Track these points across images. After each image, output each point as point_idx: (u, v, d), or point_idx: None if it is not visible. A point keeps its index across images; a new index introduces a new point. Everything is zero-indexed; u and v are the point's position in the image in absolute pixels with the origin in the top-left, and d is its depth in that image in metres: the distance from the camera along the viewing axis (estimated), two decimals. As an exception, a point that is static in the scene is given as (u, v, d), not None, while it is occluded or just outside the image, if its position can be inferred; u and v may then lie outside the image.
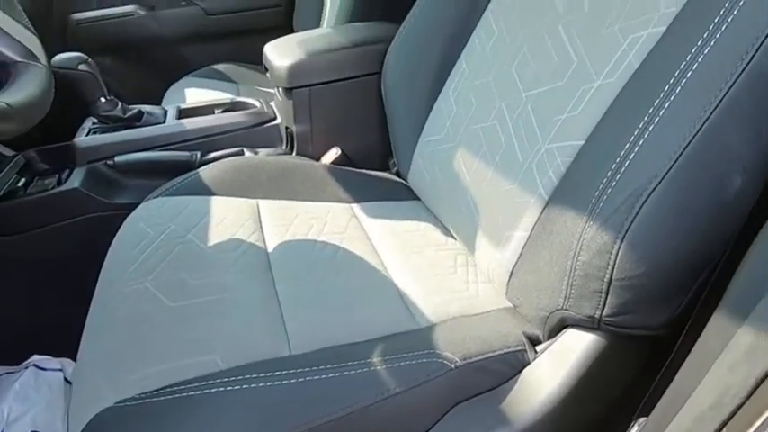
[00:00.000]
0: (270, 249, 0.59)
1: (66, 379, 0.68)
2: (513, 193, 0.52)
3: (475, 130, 0.61)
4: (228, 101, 0.91)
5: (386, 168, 0.88)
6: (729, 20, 0.33)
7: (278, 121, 0.86)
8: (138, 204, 0.67)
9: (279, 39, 0.85)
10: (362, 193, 0.75)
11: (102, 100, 0.77)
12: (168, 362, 0.40)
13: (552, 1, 0.55)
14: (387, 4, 0.96)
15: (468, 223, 0.60)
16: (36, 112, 0.40)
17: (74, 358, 0.73)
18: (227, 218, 0.62)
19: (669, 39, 0.39)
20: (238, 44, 1.46)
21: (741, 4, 0.33)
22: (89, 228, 0.73)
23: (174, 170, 0.76)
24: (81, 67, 0.73)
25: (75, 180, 0.72)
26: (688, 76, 0.33)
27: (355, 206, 0.72)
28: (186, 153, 0.77)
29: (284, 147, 0.85)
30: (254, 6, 1.44)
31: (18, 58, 0.39)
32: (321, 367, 0.39)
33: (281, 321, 0.47)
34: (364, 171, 0.80)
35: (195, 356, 0.40)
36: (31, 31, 0.44)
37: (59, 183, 0.74)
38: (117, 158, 0.74)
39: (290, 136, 0.83)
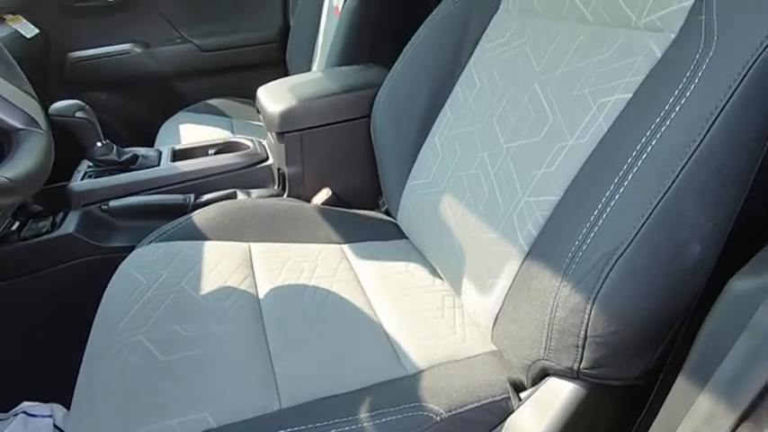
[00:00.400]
0: (261, 296, 0.60)
1: (55, 425, 0.68)
2: (495, 242, 0.54)
3: (460, 177, 0.64)
4: (222, 141, 0.94)
5: (376, 207, 0.90)
6: (687, 94, 0.36)
7: (270, 161, 0.89)
8: (133, 247, 0.69)
9: (271, 83, 0.88)
10: (353, 233, 0.77)
11: (99, 144, 0.79)
12: (161, 420, 0.41)
13: (529, 59, 0.58)
14: (374, 48, 1.00)
15: (454, 266, 0.62)
16: (37, 182, 0.42)
17: (64, 403, 0.73)
18: (220, 263, 0.64)
19: (633, 107, 0.43)
20: (232, 79, 1.50)
21: (696, 80, 0.36)
22: (83, 271, 0.74)
23: (168, 213, 0.78)
24: (78, 114, 0.75)
25: (70, 225, 0.74)
26: (648, 150, 0.36)
27: (345, 247, 0.74)
28: (180, 196, 0.79)
29: (276, 187, 0.87)
30: (249, 43, 1.48)
31: (19, 126, 0.41)
32: (309, 426, 0.40)
33: (271, 374, 0.48)
34: (354, 211, 0.83)
35: (187, 414, 0.41)
36: (32, 96, 0.46)
37: (53, 226, 0.75)
38: (111, 203, 0.76)
39: (282, 177, 0.85)
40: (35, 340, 0.75)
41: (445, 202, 0.66)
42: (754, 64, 0.32)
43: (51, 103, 1.16)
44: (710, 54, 0.35)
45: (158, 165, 0.84)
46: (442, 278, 0.68)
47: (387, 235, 0.79)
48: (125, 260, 0.63)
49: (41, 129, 0.42)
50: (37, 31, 1.16)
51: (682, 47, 0.40)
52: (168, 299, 0.55)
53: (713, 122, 0.33)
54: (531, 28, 0.60)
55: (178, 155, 0.89)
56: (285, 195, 0.85)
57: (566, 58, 0.53)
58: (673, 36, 0.42)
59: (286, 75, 1.49)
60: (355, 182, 0.86)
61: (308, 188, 0.84)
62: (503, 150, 0.58)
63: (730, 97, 0.33)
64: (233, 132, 1.26)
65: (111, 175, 0.81)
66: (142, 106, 1.43)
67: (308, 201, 0.85)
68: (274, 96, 0.81)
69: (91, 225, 0.75)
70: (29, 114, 0.42)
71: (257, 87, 1.55)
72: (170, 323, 0.51)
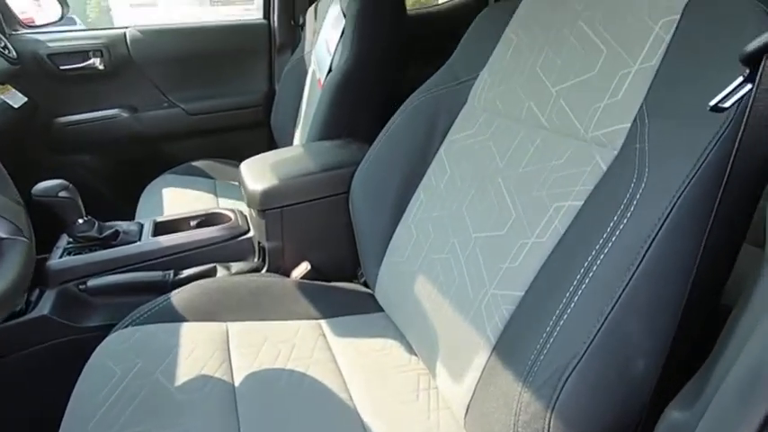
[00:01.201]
0: (237, 383, 0.60)
1: None
2: (466, 330, 0.56)
3: (433, 260, 0.67)
4: (203, 213, 0.95)
5: (354, 278, 0.92)
6: (624, 221, 0.40)
7: (251, 233, 0.91)
8: (110, 326, 0.68)
9: (254, 158, 0.92)
10: (331, 308, 0.78)
11: (80, 221, 0.80)
12: None
13: (494, 154, 0.63)
14: (354, 122, 1.06)
15: (429, 347, 0.64)
16: (19, 294, 0.43)
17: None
18: (197, 349, 0.64)
19: (584, 218, 0.47)
20: (217, 140, 1.55)
21: (632, 209, 0.40)
22: (57, 353, 0.73)
23: (147, 290, 0.78)
24: (62, 193, 0.77)
25: (45, 306, 0.73)
26: (593, 269, 0.40)
27: (324, 323, 0.75)
28: (159, 273, 0.79)
29: (257, 260, 0.89)
30: (235, 106, 1.54)
31: (3, 235, 0.42)
32: None
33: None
34: (333, 284, 0.84)
35: None
36: (18, 203, 0.47)
37: (28, 306, 0.74)
38: (89, 282, 0.76)
39: (262, 250, 0.87)
40: (4, 426, 0.72)
41: (420, 282, 0.68)
42: (680, 198, 0.37)
43: (34, 169, 1.18)
44: (643, 186, 0.39)
45: (139, 239, 0.85)
46: (417, 356, 0.69)
47: (364, 308, 0.80)
48: (99, 347, 0.63)
49: (24, 237, 0.44)
50: (25, 99, 1.19)
51: (621, 168, 0.44)
52: (141, 393, 0.55)
53: (647, 249, 0.37)
54: (495, 125, 0.65)
55: (159, 228, 0.90)
56: (265, 269, 0.86)
57: (525, 159, 0.58)
58: (615, 153, 0.47)
59: (270, 137, 1.54)
60: (334, 254, 0.89)
61: (287, 261, 0.86)
62: (471, 239, 0.61)
63: (661, 227, 0.37)
64: (216, 195, 1.29)
65: (91, 251, 0.81)
66: (127, 168, 1.45)
67: (288, 274, 0.86)
68: (256, 174, 0.84)
69: (67, 305, 0.75)
70: (13, 223, 0.43)
71: (242, 148, 1.60)
72: (141, 423, 0.51)
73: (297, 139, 1.33)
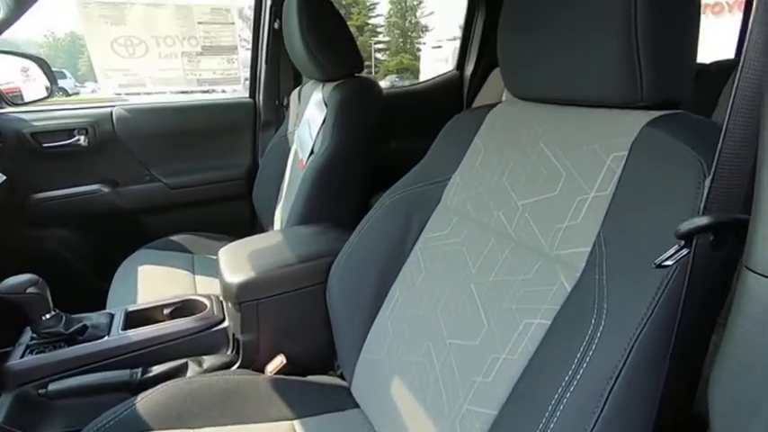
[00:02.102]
0: (201, 507, 0.57)
1: None
2: (441, 446, 0.55)
3: (409, 362, 0.66)
4: (178, 300, 0.94)
5: (331, 368, 0.90)
6: (587, 360, 0.41)
7: (225, 323, 0.89)
8: (68, 434, 0.64)
9: (231, 246, 0.92)
10: (306, 406, 0.76)
11: (47, 316, 0.78)
12: None
13: (466, 259, 0.65)
14: (334, 207, 1.08)
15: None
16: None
17: None
18: (160, 465, 0.61)
19: (552, 341, 0.48)
20: (197, 213, 1.55)
21: (593, 349, 0.41)
22: (6, 468, 0.68)
23: (112, 392, 0.75)
24: (30, 290, 0.75)
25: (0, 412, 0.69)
26: (560, 408, 0.40)
27: (297, 423, 0.72)
28: (126, 372, 0.76)
29: (230, 352, 0.86)
30: (218, 180, 1.56)
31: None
32: None
33: None
34: (309, 379, 0.82)
35: None
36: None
37: (-19, 411, 0.70)
38: (51, 386, 0.73)
39: (236, 342, 0.85)
40: None
41: (396, 384, 0.67)
42: (637, 339, 0.38)
43: (6, 243, 1.15)
44: (603, 324, 0.41)
45: (108, 333, 0.82)
46: (393, 459, 0.67)
47: (341, 404, 0.78)
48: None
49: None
50: (3, 178, 1.19)
51: (584, 296, 0.46)
52: None
53: (612, 387, 0.38)
54: (467, 229, 0.68)
55: (131, 318, 0.88)
56: (239, 362, 0.84)
57: (496, 267, 0.60)
58: (577, 275, 0.49)
59: (252, 209, 1.55)
60: (310, 345, 0.87)
61: (262, 354, 0.84)
62: (446, 345, 0.62)
63: (622, 366, 0.38)
64: (193, 272, 1.27)
65: (55, 347, 0.78)
66: (104, 242, 1.43)
67: (263, 367, 0.84)
68: (233, 265, 0.84)
69: (25, 411, 0.71)
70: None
71: (223, 221, 1.61)
72: None
73: (278, 216, 1.35)
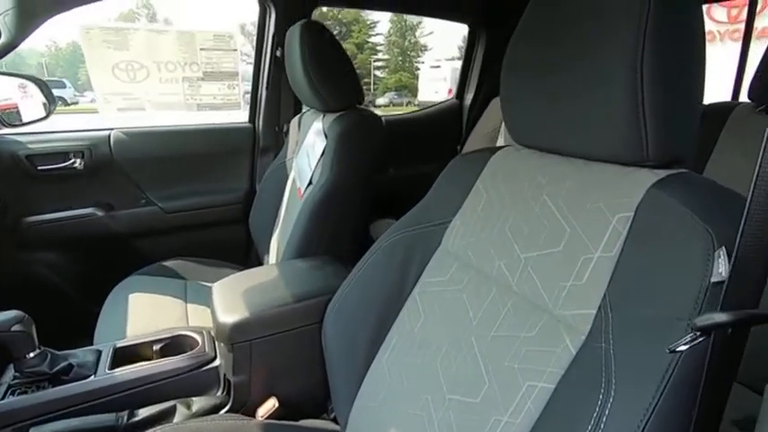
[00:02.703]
0: None
1: None
2: None
3: (406, 414, 0.64)
4: (169, 336, 0.91)
5: (324, 411, 0.87)
6: (602, 426, 0.39)
7: (217, 362, 0.86)
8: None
9: (226, 282, 0.90)
10: (297, 454, 0.73)
11: (31, 355, 0.75)
12: None
13: (467, 310, 0.64)
14: (332, 240, 1.07)
15: None
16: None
17: None
18: None
19: (557, 410, 0.46)
20: (192, 237, 1.53)
21: (605, 420, 0.40)
22: None
23: (96, 437, 0.72)
24: (15, 327, 0.72)
25: (-24, 461, 0.66)
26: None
27: (289, 474, 0.70)
28: (111, 416, 0.73)
29: (221, 392, 0.84)
30: (214, 204, 1.55)
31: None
32: None
33: None
34: (301, 424, 0.80)
35: None
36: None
37: (-43, 458, 0.67)
38: (32, 430, 0.70)
39: (227, 382, 0.83)
40: None
41: (392, 436, 0.65)
42: (647, 422, 0.37)
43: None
44: (610, 404, 0.39)
45: (95, 373, 0.79)
46: None
47: (334, 452, 0.75)
48: None
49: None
50: (-5, 201, 1.17)
51: (589, 364, 0.45)
52: None
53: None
54: (468, 277, 0.66)
55: (119, 355, 0.85)
56: (230, 404, 0.81)
57: (497, 321, 0.58)
58: (582, 338, 0.48)
59: (248, 234, 1.53)
60: (304, 387, 0.85)
61: (254, 396, 0.81)
62: (445, 400, 0.60)
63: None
64: (185, 300, 1.24)
65: (39, 388, 0.75)
66: (95, 267, 1.40)
67: (254, 410, 0.81)
68: (227, 304, 0.82)
69: (2, 458, 0.68)
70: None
71: (219, 245, 1.58)
72: None
73: (274, 244, 1.33)
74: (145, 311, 1.15)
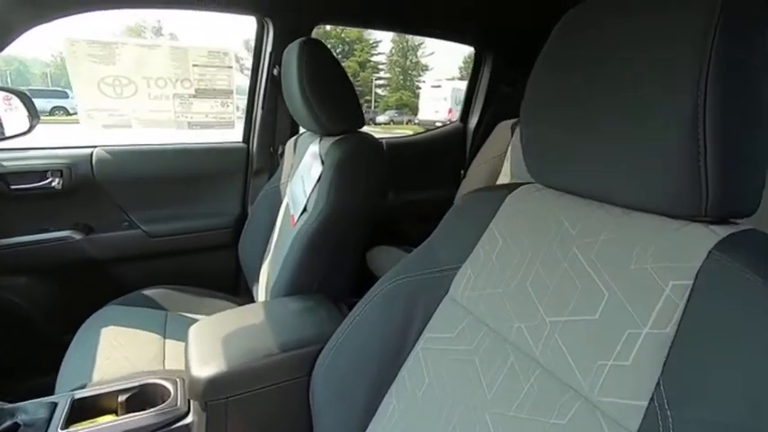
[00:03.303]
0: None
1: None
2: None
3: (404, 502, 0.54)
4: (137, 384, 0.80)
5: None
6: None
7: (189, 419, 0.76)
8: None
9: (204, 324, 0.80)
10: None
11: (-28, 412, 0.65)
12: None
13: (479, 378, 0.54)
14: (327, 276, 0.98)
15: None
16: None
17: None
18: None
19: None
20: (176, 264, 1.43)
21: None
22: None
23: None
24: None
25: None
26: None
27: None
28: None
29: (192, 456, 0.73)
30: (202, 228, 1.45)
31: None
32: None
33: None
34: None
35: None
36: None
37: None
38: None
39: (200, 445, 0.72)
40: None
41: None
42: None
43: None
44: None
45: (46, 431, 0.69)
46: None
47: None
48: None
49: None
50: (-39, 223, 1.07)
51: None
52: None
53: None
54: (480, 335, 0.57)
55: (78, 408, 0.74)
56: (200, 471, 0.70)
57: (518, 398, 0.49)
58: (631, 437, 0.38)
59: (237, 260, 1.44)
60: (288, 451, 0.74)
61: (229, 461, 0.71)
62: (452, 488, 0.50)
63: None
64: (164, 335, 1.14)
65: (-24, 452, 0.65)
66: (70, 295, 1.30)
67: (228, 478, 0.71)
68: (203, 353, 0.72)
69: None
70: None
71: (205, 273, 1.48)
72: None
73: (264, 274, 1.23)
74: (117, 349, 1.04)
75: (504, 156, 1.68)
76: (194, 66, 1.33)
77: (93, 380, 0.91)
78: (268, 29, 1.33)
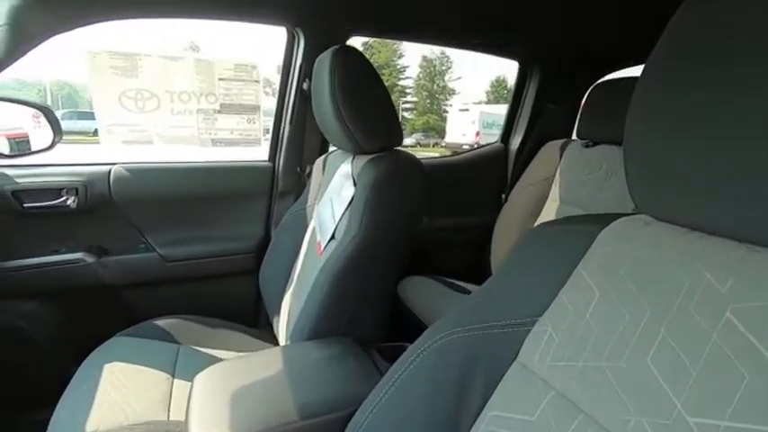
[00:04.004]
0: None
1: None
2: None
3: None
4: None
5: None
6: None
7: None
8: None
9: (212, 374, 0.67)
10: None
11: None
12: None
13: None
14: (355, 317, 0.83)
15: None
16: None
17: None
18: None
19: None
20: (195, 291, 1.32)
21: None
22: None
23: None
24: None
25: None
26: None
27: None
28: None
29: None
30: (222, 253, 1.34)
31: None
32: None
33: None
34: None
35: None
36: None
37: None
38: None
39: None
40: None
41: None
42: None
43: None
44: None
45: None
46: None
47: None
48: None
49: None
50: (-34, 244, 1.00)
51: None
52: None
53: None
54: (575, 424, 0.41)
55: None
56: None
57: None
58: None
59: (257, 286, 1.32)
60: None
61: None
62: None
63: None
64: (173, 374, 1.01)
65: None
66: (78, 322, 1.20)
67: None
68: (207, 416, 0.58)
69: None
70: None
71: (224, 301, 1.37)
72: None
73: (286, 306, 1.11)
74: (119, 390, 0.92)
75: (551, 179, 1.52)
76: (220, 79, 1.25)
77: (86, 431, 0.79)
78: (299, 40, 1.24)
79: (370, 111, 0.92)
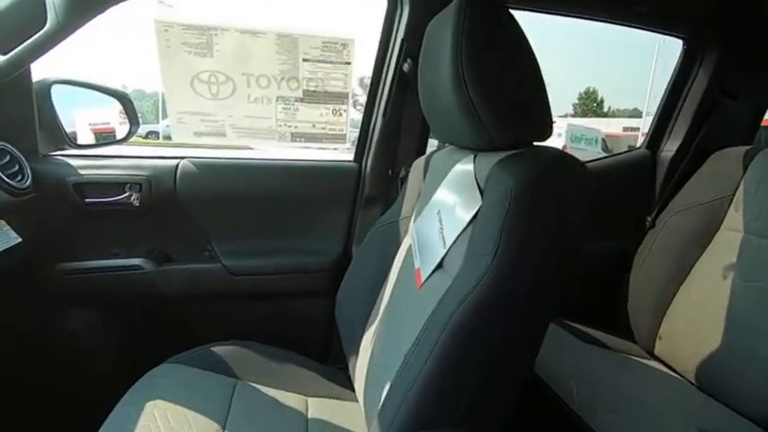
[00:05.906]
0: None
1: None
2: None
3: None
4: None
5: None
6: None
7: None
8: None
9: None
10: None
11: None
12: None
13: None
14: (478, 395, 0.54)
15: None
16: None
17: None
18: None
19: None
20: (260, 312, 1.12)
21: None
22: None
23: None
24: None
25: None
26: None
27: None
28: None
29: None
30: (294, 268, 1.12)
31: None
32: None
33: None
34: None
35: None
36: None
37: None
38: None
39: None
40: None
41: None
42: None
43: None
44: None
45: None
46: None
47: None
48: None
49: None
50: (18, 240, 0.87)
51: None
52: None
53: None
54: None
55: None
56: None
57: None
58: None
59: (331, 313, 1.08)
60: None
61: None
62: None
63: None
64: (225, 420, 0.80)
65: None
66: (128, 340, 1.05)
67: None
68: None
69: None
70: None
71: (292, 328, 1.14)
72: None
73: (367, 345, 0.85)
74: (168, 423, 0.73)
75: (727, 200, 1.11)
76: (305, 60, 1.04)
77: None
78: (402, 10, 0.99)
79: (510, 88, 0.63)
